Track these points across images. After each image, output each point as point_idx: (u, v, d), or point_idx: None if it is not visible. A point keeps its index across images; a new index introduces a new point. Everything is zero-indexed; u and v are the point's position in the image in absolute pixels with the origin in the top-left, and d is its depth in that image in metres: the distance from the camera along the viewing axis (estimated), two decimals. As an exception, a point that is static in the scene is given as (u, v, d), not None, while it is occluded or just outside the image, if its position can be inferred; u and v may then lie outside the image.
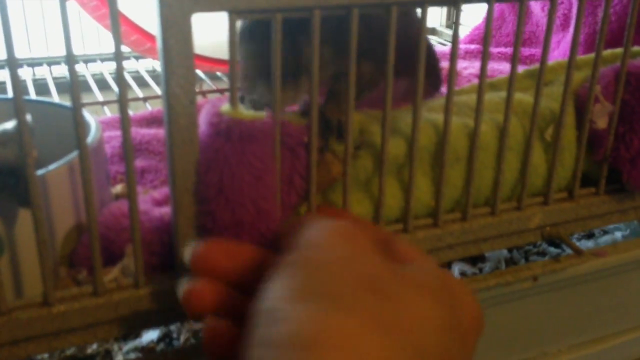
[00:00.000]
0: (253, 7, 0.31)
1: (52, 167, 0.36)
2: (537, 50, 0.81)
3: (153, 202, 0.39)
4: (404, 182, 0.41)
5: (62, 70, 0.86)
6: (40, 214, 0.31)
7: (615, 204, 0.47)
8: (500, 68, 0.72)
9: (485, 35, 0.38)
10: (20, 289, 0.35)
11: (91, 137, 0.40)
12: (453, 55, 0.37)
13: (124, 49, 0.80)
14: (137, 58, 0.89)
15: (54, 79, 0.80)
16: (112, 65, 0.87)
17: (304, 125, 0.33)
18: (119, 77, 0.31)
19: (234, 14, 0.31)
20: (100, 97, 0.73)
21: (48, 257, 0.32)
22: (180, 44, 0.30)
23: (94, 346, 0.51)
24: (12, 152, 0.31)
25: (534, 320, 0.49)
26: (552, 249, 0.65)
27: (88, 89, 0.78)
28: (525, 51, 0.80)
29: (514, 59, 0.39)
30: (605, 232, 0.70)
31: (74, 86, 0.30)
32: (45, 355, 0.51)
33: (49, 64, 0.85)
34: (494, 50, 0.81)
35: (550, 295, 0.47)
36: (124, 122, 0.31)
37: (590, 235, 0.70)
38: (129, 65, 0.88)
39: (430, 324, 0.25)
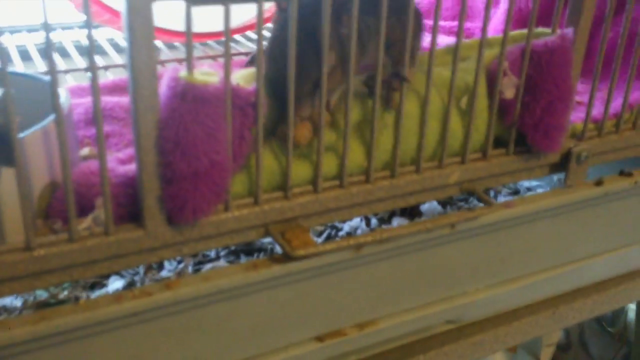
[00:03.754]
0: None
1: (29, 131, 0.41)
2: (472, 24, 0.87)
3: (118, 161, 0.45)
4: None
5: (21, 39, 0.88)
6: (23, 172, 0.37)
7: (522, 162, 0.54)
8: (437, 41, 0.78)
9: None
10: (3, 237, 0.41)
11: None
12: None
13: (82, 17, 0.83)
14: (95, 27, 0.92)
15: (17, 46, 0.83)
16: (70, 35, 0.90)
17: (251, 88, 0.40)
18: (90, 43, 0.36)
19: (189, 3, 0.36)
20: (63, 65, 0.77)
21: (29, 209, 0.38)
22: (143, 29, 0.35)
23: (65, 293, 0.56)
24: (-3, 119, 0.36)
25: (454, 263, 0.56)
26: (482, 204, 0.73)
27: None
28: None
29: (433, 34, 0.46)
30: (530, 190, 0.78)
31: (48, 51, 0.36)
32: (19, 304, 0.56)
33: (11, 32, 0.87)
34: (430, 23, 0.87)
35: (468, 241, 0.55)
36: (94, 85, 0.36)
37: (516, 192, 0.78)
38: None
39: None
